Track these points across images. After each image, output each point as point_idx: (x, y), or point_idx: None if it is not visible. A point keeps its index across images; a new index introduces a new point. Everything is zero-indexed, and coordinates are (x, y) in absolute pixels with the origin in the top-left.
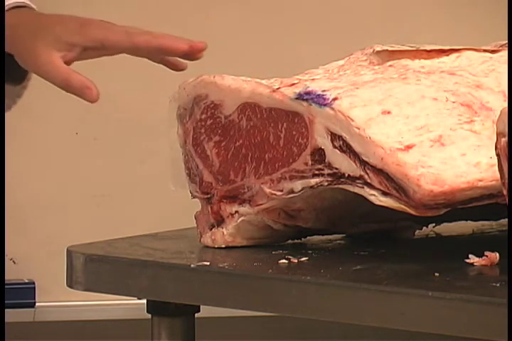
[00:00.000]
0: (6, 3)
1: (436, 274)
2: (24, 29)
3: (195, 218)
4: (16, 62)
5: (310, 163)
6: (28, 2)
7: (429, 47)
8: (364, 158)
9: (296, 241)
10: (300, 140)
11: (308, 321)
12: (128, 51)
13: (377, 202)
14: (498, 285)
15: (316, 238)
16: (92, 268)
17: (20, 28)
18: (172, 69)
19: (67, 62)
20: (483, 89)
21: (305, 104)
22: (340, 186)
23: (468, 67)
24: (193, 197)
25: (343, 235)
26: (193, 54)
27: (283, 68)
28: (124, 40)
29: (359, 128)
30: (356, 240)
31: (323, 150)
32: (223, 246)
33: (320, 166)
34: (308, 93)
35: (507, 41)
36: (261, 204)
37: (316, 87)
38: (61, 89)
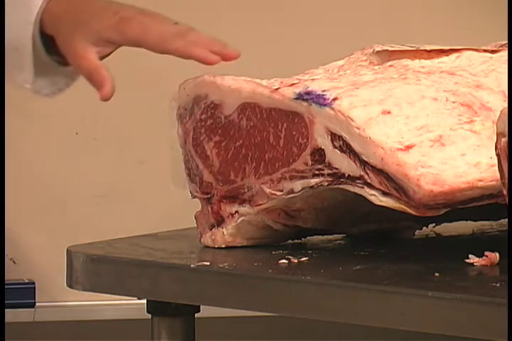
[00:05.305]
0: None
1: (437, 274)
2: (65, 20)
3: (195, 218)
4: None
5: (310, 163)
6: None
7: (429, 47)
8: (364, 158)
9: (296, 241)
10: (300, 140)
11: (308, 321)
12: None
13: (377, 202)
14: (498, 285)
15: (316, 238)
16: (92, 268)
17: (61, 19)
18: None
19: (102, 57)
20: (483, 89)
21: (305, 104)
22: (341, 186)
23: (468, 67)
24: (193, 197)
25: (343, 235)
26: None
27: (283, 68)
28: (158, 46)
29: (359, 129)
30: (356, 240)
31: (323, 150)
32: (223, 246)
33: (320, 166)
34: (308, 93)
35: (507, 41)
36: (261, 204)
37: (316, 87)
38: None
